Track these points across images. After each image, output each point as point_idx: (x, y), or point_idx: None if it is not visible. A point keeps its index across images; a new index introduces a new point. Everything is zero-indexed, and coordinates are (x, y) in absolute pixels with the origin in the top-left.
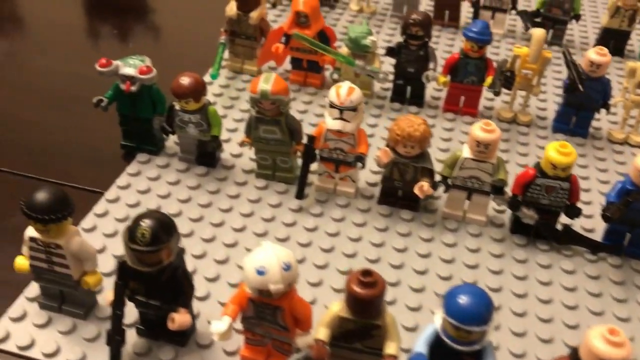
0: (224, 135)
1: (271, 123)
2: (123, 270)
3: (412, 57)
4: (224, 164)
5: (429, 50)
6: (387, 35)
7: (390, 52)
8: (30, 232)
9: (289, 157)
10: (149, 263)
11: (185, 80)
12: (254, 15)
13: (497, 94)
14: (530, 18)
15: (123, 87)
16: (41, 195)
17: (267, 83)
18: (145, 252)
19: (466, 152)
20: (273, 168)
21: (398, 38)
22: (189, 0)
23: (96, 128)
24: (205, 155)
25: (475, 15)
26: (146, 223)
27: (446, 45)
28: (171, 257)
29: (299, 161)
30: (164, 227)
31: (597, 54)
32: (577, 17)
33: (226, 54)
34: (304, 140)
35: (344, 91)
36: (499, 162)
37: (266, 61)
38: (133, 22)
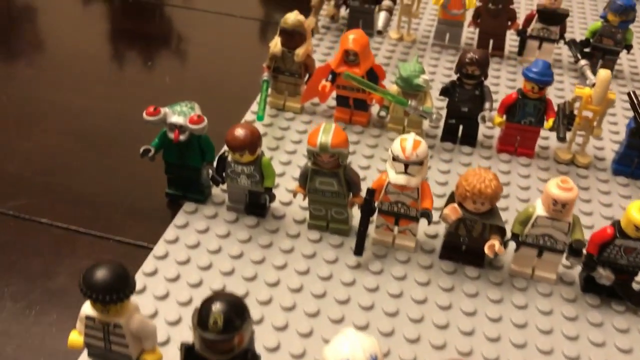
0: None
1: (329, 175)
2: (190, 357)
3: (466, 96)
4: (274, 213)
5: (485, 90)
6: (429, 66)
7: (444, 92)
8: (88, 309)
9: (344, 208)
10: (220, 351)
11: (241, 132)
12: (300, 52)
13: (562, 139)
14: (579, 48)
15: (171, 135)
16: (101, 274)
17: (326, 135)
18: (218, 341)
19: (540, 209)
20: (327, 219)
21: (441, 68)
22: (219, 28)
23: (138, 173)
24: (256, 205)
25: (522, 45)
26: (218, 308)
27: (504, 78)
28: (244, 343)
29: (355, 212)
30: (237, 312)
31: None
32: (629, 48)
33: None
34: (363, 192)
35: (409, 145)
36: (574, 220)
37: (310, 98)
38: (164, 52)
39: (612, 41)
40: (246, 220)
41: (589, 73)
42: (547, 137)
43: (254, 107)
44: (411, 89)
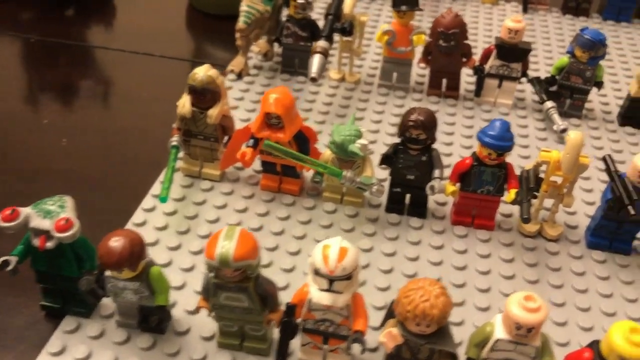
0: (176, 280)
1: (235, 290)
2: None
3: (412, 162)
4: (176, 328)
5: (434, 155)
6: (374, 112)
7: (386, 160)
8: None
9: (261, 324)
10: None
11: (115, 245)
12: (213, 113)
13: (525, 220)
14: (545, 87)
15: (36, 243)
16: None
17: (228, 245)
18: None
19: (500, 331)
20: (241, 336)
21: (388, 115)
22: (139, 70)
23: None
24: (156, 321)
25: (479, 84)
26: None
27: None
28: None
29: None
30: None
31: None
32: (600, 85)
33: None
34: (282, 307)
35: (333, 255)
36: (544, 342)
37: (230, 164)
38: (65, 104)
39: (580, 79)
40: (140, 339)
41: (556, 117)
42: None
43: (163, 176)
44: (346, 156)
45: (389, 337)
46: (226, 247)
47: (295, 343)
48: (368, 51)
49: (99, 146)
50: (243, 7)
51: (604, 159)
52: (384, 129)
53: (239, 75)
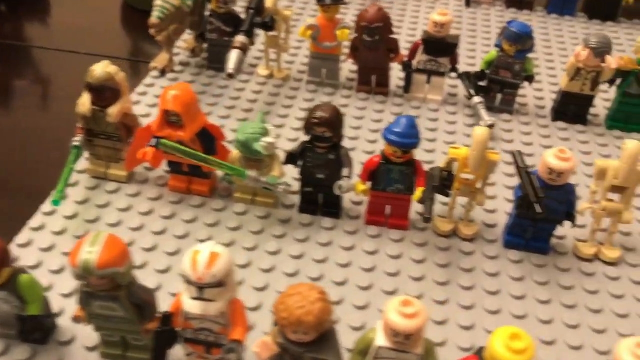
0: (67, 287)
1: (107, 299)
2: None
3: (320, 161)
4: (60, 338)
5: (342, 153)
6: (299, 110)
7: (290, 159)
8: None
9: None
10: None
11: None
12: (113, 111)
13: (427, 220)
14: (473, 82)
15: None
16: None
17: (92, 250)
18: None
19: (381, 339)
20: (124, 346)
21: None
22: (71, 70)
23: None
24: (33, 330)
25: (408, 80)
26: None
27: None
28: None
29: None
30: None
31: (557, 159)
32: (530, 79)
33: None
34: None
35: (202, 261)
36: (428, 349)
37: (136, 165)
38: None
39: (509, 73)
40: (19, 350)
41: (483, 113)
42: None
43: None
44: (252, 155)
45: (262, 347)
46: (90, 253)
47: (180, 353)
48: (301, 47)
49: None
50: (157, 2)
51: (512, 155)
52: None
53: (163, 72)
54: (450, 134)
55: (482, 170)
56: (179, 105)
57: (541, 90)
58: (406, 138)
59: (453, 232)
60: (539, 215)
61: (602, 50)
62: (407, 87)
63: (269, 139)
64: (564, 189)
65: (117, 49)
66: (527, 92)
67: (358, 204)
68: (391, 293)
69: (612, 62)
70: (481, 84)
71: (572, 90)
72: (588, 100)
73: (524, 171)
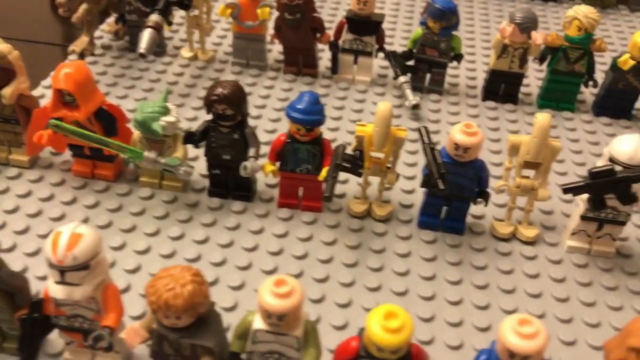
0: None
1: None
2: None
3: (225, 141)
4: None
5: (247, 132)
6: None
7: (189, 138)
8: None
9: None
10: None
11: None
12: (7, 92)
13: (327, 199)
14: (400, 62)
15: None
16: None
17: None
18: None
19: (258, 321)
20: (1, 336)
21: None
22: None
23: None
24: None
25: (334, 61)
26: None
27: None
28: None
29: None
30: None
31: (463, 134)
32: (459, 58)
33: None
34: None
35: (62, 242)
36: (308, 331)
37: (38, 149)
38: None
39: (436, 51)
40: None
41: (408, 92)
42: (347, 180)
43: None
44: (152, 135)
45: (130, 333)
46: None
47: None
48: (230, 27)
49: None
50: None
51: (418, 130)
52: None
53: (82, 56)
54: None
55: (388, 148)
56: (71, 83)
57: (474, 70)
58: (308, 115)
59: (367, 212)
60: (442, 192)
61: (527, 25)
62: (335, 67)
63: (169, 118)
64: (473, 165)
65: (46, 34)
66: (459, 72)
67: (272, 186)
68: (296, 276)
69: (538, 37)
70: (408, 63)
71: (500, 68)
72: (518, 78)
73: (428, 147)
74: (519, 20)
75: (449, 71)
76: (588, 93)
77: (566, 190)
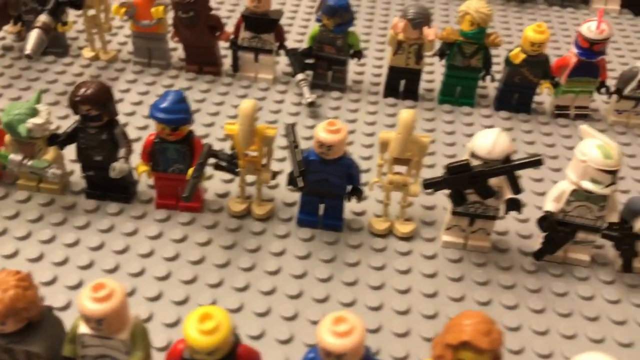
0: None
1: None
2: None
3: (94, 142)
4: None
5: (116, 132)
6: (119, 92)
7: (52, 140)
8: None
9: None
10: None
11: None
12: None
13: (185, 199)
14: (300, 59)
15: None
16: None
17: None
18: None
19: (83, 326)
20: None
21: (132, 94)
22: None
23: None
24: None
25: (235, 59)
26: None
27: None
28: None
29: None
30: None
31: (326, 132)
32: (358, 55)
33: None
34: None
35: None
36: (135, 333)
37: None
38: None
39: (333, 48)
40: None
41: (305, 90)
42: (229, 180)
43: None
44: (20, 137)
45: None
46: None
47: None
48: None
49: None
50: None
51: (286, 128)
52: (124, 109)
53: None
54: (275, 112)
55: (258, 146)
56: None
57: (380, 67)
58: (171, 114)
59: (247, 212)
60: (302, 190)
61: (419, 21)
62: (236, 65)
63: (36, 120)
64: (340, 163)
65: None
66: (365, 69)
67: (153, 187)
68: (163, 279)
69: (430, 33)
70: (308, 61)
71: (397, 64)
72: (416, 75)
73: (292, 145)
74: (410, 16)
75: (355, 68)
76: (492, 88)
77: (427, 186)
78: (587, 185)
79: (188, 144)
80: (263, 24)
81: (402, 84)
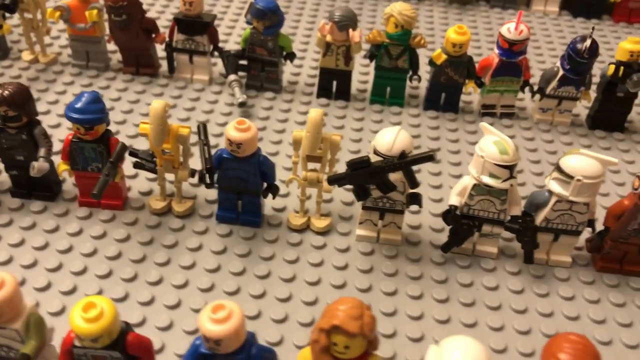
0: None
1: None
2: None
3: (15, 142)
4: None
5: (35, 133)
6: (55, 93)
7: None
8: None
9: None
10: None
11: None
12: None
13: (94, 196)
14: (233, 61)
15: None
16: None
17: None
18: None
19: None
20: None
21: (69, 96)
22: None
23: None
24: None
25: (170, 60)
26: None
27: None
28: None
29: None
30: None
31: (235, 130)
32: (291, 57)
33: None
34: None
35: None
36: (29, 322)
37: None
38: None
39: (265, 50)
40: None
41: (236, 90)
42: (151, 178)
43: None
44: None
45: None
46: None
47: None
48: None
49: None
50: None
51: (197, 127)
52: (58, 110)
53: None
54: (208, 112)
55: (172, 144)
56: None
57: (316, 69)
58: (84, 114)
59: (167, 209)
60: (209, 187)
61: (344, 23)
62: (171, 67)
63: None
64: (252, 161)
65: None
66: (301, 70)
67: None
68: (78, 274)
69: (355, 35)
70: (242, 62)
71: (327, 65)
72: (346, 76)
73: (200, 143)
74: (336, 18)
75: (292, 70)
76: (423, 88)
77: (330, 181)
78: (487, 179)
79: (105, 144)
80: (195, 27)
81: (334, 84)
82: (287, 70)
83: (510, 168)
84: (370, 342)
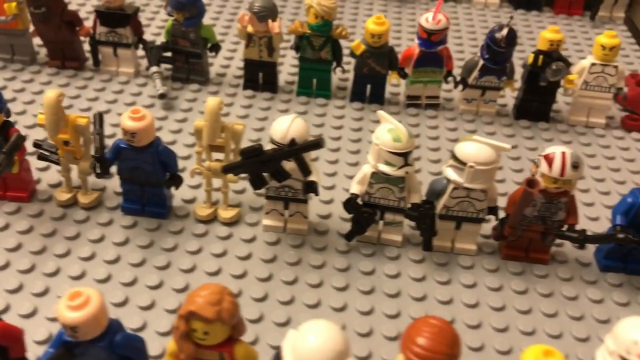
0: None
1: None
2: None
3: None
4: None
5: None
6: None
7: None
8: None
9: None
10: None
11: None
12: None
13: None
14: (156, 53)
15: None
16: None
17: None
18: None
19: None
20: None
21: (8, 92)
22: None
23: None
24: None
25: (94, 53)
26: None
27: None
28: None
29: None
30: None
31: (129, 119)
32: (216, 49)
33: None
34: None
35: None
36: None
37: None
38: None
39: (187, 42)
40: None
41: (157, 82)
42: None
43: None
44: None
45: None
46: None
47: None
48: None
49: None
50: None
51: (93, 116)
52: None
53: None
54: (129, 105)
55: (71, 135)
56: None
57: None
58: None
59: (73, 201)
60: (98, 177)
61: (264, 14)
62: (96, 60)
63: None
64: (150, 151)
65: None
66: (231, 62)
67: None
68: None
69: (275, 26)
70: (166, 54)
71: (251, 56)
72: (271, 67)
73: (94, 133)
74: (256, 9)
75: (221, 61)
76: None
77: (225, 170)
78: (382, 167)
79: (3, 135)
80: (117, 19)
81: (260, 76)
82: (217, 62)
83: (404, 155)
84: (234, 328)
